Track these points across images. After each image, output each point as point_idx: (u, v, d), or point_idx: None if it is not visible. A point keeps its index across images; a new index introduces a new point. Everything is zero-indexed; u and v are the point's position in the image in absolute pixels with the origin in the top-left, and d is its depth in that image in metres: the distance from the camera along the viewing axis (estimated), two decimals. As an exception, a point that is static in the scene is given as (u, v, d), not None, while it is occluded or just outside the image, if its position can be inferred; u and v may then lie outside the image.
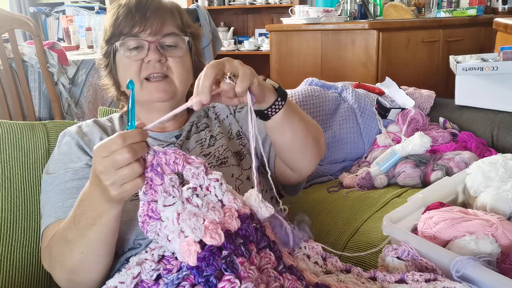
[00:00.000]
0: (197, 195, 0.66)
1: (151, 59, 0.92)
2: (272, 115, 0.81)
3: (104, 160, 0.63)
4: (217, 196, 0.68)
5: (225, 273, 0.60)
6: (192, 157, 0.67)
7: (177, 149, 0.67)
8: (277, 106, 0.80)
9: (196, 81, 0.71)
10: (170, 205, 0.65)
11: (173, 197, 0.65)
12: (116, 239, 0.78)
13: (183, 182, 0.69)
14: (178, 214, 0.64)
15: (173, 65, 0.94)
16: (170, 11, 0.96)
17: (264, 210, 0.70)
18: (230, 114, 1.08)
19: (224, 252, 0.62)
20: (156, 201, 0.66)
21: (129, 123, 0.66)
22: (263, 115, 0.81)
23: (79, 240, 0.73)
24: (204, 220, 0.64)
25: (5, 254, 0.97)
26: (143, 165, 0.65)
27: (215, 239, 0.62)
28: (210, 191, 0.67)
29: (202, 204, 0.65)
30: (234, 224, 0.66)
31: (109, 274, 0.83)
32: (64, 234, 0.76)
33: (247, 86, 0.70)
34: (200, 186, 0.67)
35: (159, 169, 0.65)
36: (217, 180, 0.67)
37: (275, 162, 1.00)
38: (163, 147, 0.68)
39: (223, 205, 0.68)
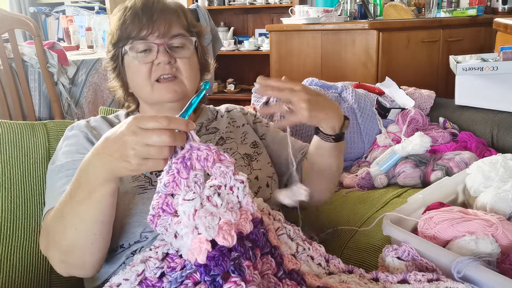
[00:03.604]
0: (219, 194, 0.66)
1: (161, 61, 0.92)
2: (320, 137, 0.91)
3: (140, 131, 0.62)
4: (238, 197, 0.68)
5: (232, 275, 0.60)
6: (225, 154, 0.67)
7: (211, 145, 0.67)
8: (326, 138, 0.91)
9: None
10: (190, 200, 0.64)
11: (194, 193, 0.65)
12: (112, 220, 0.76)
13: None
14: (195, 210, 0.64)
15: (181, 66, 0.95)
16: (175, 12, 0.96)
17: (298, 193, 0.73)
18: (247, 123, 1.09)
19: (234, 254, 0.62)
20: (173, 195, 0.66)
21: (183, 113, 0.67)
22: (316, 129, 0.91)
23: (73, 216, 0.72)
24: (220, 219, 0.64)
25: (5, 254, 0.97)
26: (172, 151, 0.65)
27: (227, 240, 0.62)
28: (233, 191, 0.67)
29: (221, 204, 0.65)
30: (248, 227, 0.66)
31: (113, 266, 0.84)
32: (61, 209, 0.75)
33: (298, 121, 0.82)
34: (225, 185, 0.67)
35: (188, 163, 0.65)
36: (242, 182, 0.67)
37: None
38: None
39: (240, 207, 0.68)
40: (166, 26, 0.93)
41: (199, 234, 0.63)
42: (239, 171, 0.93)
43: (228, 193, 0.67)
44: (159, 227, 0.67)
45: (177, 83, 0.94)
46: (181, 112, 0.68)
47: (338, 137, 0.90)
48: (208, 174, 0.67)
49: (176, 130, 0.63)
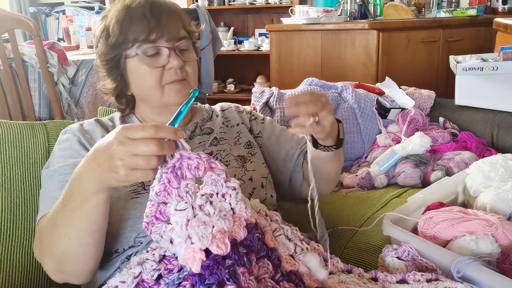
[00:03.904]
0: (211, 203, 0.66)
1: (173, 66, 0.90)
2: (320, 149, 0.89)
3: (127, 141, 0.61)
4: (230, 204, 0.67)
5: (227, 283, 0.60)
6: (216, 162, 0.67)
7: (202, 154, 0.66)
8: (327, 149, 0.89)
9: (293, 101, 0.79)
10: (181, 210, 0.64)
11: (185, 202, 0.64)
12: (105, 228, 0.76)
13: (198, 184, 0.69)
14: (188, 220, 0.63)
15: (189, 69, 0.94)
16: (179, 14, 0.95)
17: (322, 272, 0.74)
18: (242, 123, 1.08)
19: (228, 262, 0.62)
20: (166, 203, 0.65)
21: (172, 121, 0.66)
22: (314, 143, 0.89)
23: (66, 225, 0.72)
24: (213, 227, 0.64)
25: (5, 254, 0.97)
26: (161, 160, 0.64)
27: (221, 248, 0.62)
28: (225, 199, 0.67)
29: (214, 213, 0.65)
30: (241, 234, 0.66)
31: (108, 271, 0.83)
32: (54, 217, 0.74)
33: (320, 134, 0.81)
34: (217, 193, 0.67)
35: (179, 173, 0.64)
36: (234, 189, 0.67)
37: (303, 185, 1.07)
38: None
39: (233, 213, 0.68)
40: (174, 29, 0.91)
41: (192, 243, 0.63)
42: (233, 172, 0.93)
43: (220, 201, 0.67)
44: (154, 234, 0.66)
45: (186, 85, 0.93)
46: (170, 121, 0.67)
47: (338, 145, 0.90)
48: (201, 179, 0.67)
49: (165, 139, 0.62)
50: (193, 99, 0.70)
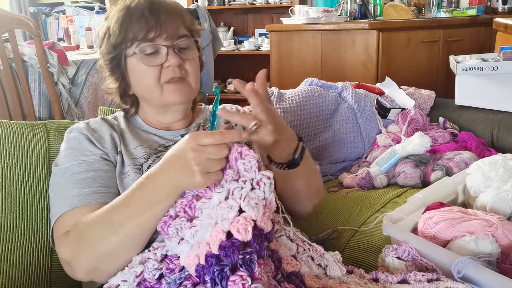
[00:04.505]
0: (241, 188, 0.68)
1: (171, 64, 0.90)
2: (275, 166, 0.86)
3: (200, 148, 0.68)
4: (264, 193, 0.69)
5: (240, 269, 0.60)
6: (250, 150, 0.70)
7: (241, 145, 0.70)
8: (280, 166, 0.86)
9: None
10: (219, 192, 0.68)
11: (222, 187, 0.69)
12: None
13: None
14: (220, 202, 0.67)
15: (189, 67, 0.94)
16: (179, 13, 0.95)
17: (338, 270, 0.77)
18: None
19: (246, 249, 0.62)
20: (200, 197, 0.69)
21: (211, 124, 0.75)
22: (268, 157, 0.87)
23: (128, 222, 0.74)
24: (239, 213, 0.65)
25: (5, 254, 0.97)
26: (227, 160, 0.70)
27: (241, 234, 0.63)
28: (260, 186, 0.69)
29: (241, 197, 0.67)
30: (269, 226, 0.67)
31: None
32: (109, 216, 0.76)
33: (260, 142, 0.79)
34: (252, 179, 0.69)
35: (227, 165, 0.70)
36: (269, 178, 0.69)
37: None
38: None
39: (265, 204, 0.68)
40: (173, 27, 0.92)
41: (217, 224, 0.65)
42: None
43: (254, 188, 0.68)
44: (172, 229, 0.68)
45: (186, 84, 0.94)
46: (210, 124, 0.75)
47: (291, 164, 0.85)
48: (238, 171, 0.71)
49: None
50: (219, 95, 0.77)
